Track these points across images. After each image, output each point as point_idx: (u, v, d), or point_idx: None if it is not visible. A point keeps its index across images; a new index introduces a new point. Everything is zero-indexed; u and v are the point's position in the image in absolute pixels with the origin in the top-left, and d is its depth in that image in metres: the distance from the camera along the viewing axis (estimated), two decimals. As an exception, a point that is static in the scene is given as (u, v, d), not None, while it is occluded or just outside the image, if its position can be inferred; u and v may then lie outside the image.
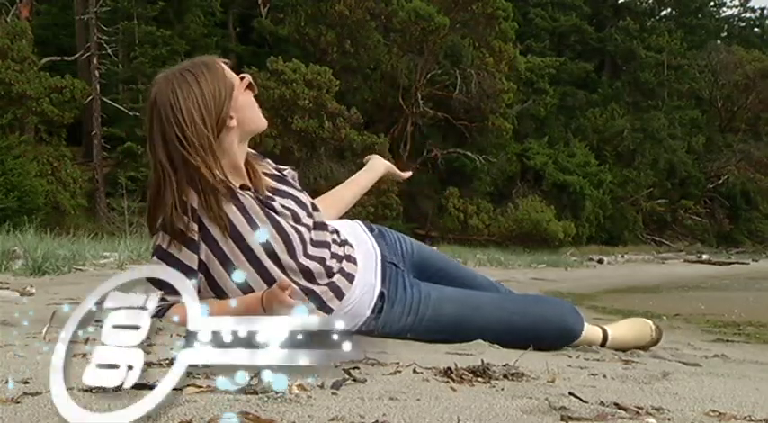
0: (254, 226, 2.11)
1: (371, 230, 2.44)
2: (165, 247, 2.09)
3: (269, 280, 2.09)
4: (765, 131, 39.49)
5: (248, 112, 2.13)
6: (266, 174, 2.24)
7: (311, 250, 2.18)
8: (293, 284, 2.01)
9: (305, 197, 2.27)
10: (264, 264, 2.12)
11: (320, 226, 2.25)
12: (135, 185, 20.99)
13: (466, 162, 28.14)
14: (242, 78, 2.13)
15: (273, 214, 2.15)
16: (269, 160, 2.34)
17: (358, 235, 2.39)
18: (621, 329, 2.60)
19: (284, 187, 2.24)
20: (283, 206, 2.18)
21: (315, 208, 2.29)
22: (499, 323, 2.33)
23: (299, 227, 2.17)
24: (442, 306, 2.35)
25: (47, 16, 27.42)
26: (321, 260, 2.19)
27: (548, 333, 2.36)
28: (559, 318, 2.42)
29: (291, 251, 2.14)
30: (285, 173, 2.32)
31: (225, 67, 2.12)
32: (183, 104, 2.02)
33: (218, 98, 2.05)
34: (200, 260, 2.11)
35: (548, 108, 32.82)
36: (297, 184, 2.32)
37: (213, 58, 2.14)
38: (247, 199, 2.13)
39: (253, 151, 2.31)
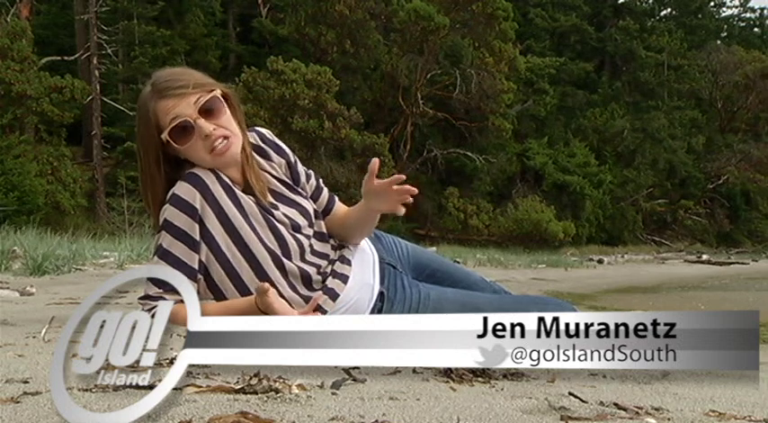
0: (253, 229, 2.11)
1: None
2: (165, 245, 2.09)
3: (266, 282, 2.10)
4: (765, 131, 39.51)
5: (189, 155, 2.07)
6: (275, 177, 2.21)
7: (309, 257, 2.19)
8: (272, 289, 2.00)
9: (309, 205, 2.24)
10: (263, 267, 2.12)
11: (321, 236, 2.23)
12: (135, 185, 20.95)
13: (466, 162, 28.15)
14: (182, 123, 2.01)
15: (273, 220, 2.15)
16: (286, 158, 2.26)
17: None
18: None
19: (290, 194, 2.21)
20: (285, 214, 2.17)
21: (317, 217, 2.27)
22: None
23: (299, 235, 2.17)
24: (443, 307, 2.35)
25: (47, 16, 27.43)
26: (317, 267, 2.20)
27: None
28: None
29: (288, 256, 2.14)
30: (296, 176, 2.26)
31: (159, 109, 2.02)
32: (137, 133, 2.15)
33: (148, 145, 2.10)
34: (200, 260, 2.11)
35: (548, 108, 32.83)
36: (306, 190, 2.26)
37: (150, 100, 2.05)
38: (248, 202, 2.13)
39: (275, 143, 2.24)
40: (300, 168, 2.28)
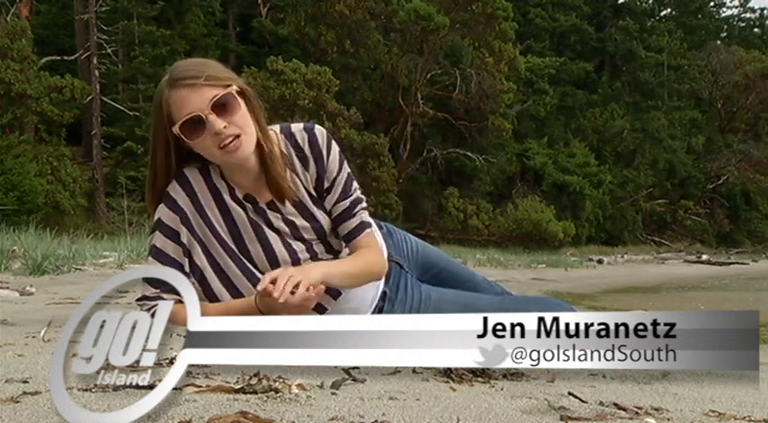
0: (236, 237, 2.10)
1: (380, 228, 2.40)
2: (159, 246, 2.10)
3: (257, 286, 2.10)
4: (765, 132, 39.51)
5: (200, 152, 2.02)
6: (304, 186, 2.11)
7: (305, 264, 2.16)
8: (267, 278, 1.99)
9: (326, 224, 2.15)
10: (254, 272, 2.12)
11: (329, 247, 2.18)
12: (135, 185, 20.98)
13: (466, 162, 28.15)
14: (193, 117, 1.94)
15: (263, 228, 2.12)
16: (320, 170, 2.11)
17: None
18: None
19: (311, 206, 2.13)
20: (289, 223, 2.12)
21: (335, 234, 2.19)
22: None
23: (295, 244, 2.13)
24: (443, 308, 2.34)
25: (47, 16, 27.43)
26: None
27: None
28: None
29: (275, 262, 2.12)
30: (322, 190, 2.13)
31: (172, 99, 1.96)
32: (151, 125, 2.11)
33: (158, 132, 2.04)
34: (195, 264, 2.11)
35: (548, 108, 32.83)
36: (330, 209, 2.14)
37: (165, 89, 1.98)
38: (236, 209, 2.11)
39: (320, 152, 2.11)
40: (337, 185, 2.13)
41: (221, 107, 1.95)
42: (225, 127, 1.95)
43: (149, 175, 2.12)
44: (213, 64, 2.06)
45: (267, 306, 1.98)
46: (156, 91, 2.05)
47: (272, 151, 2.05)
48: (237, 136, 1.97)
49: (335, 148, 2.15)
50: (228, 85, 1.97)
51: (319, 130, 2.15)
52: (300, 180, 2.12)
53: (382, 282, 2.31)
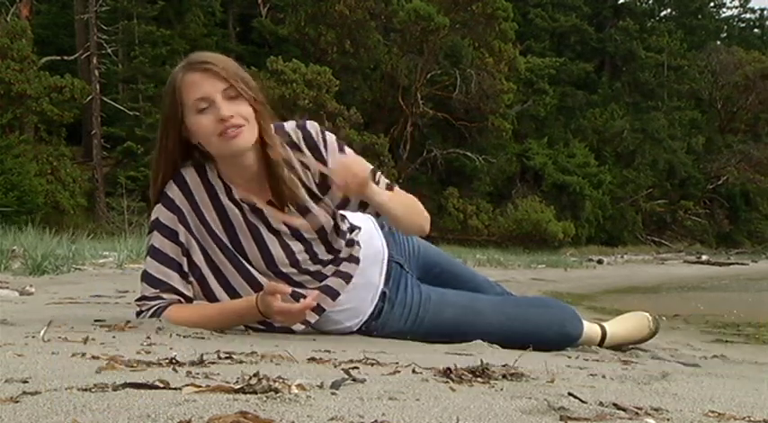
0: (232, 237, 2.10)
1: (381, 227, 2.40)
2: (157, 245, 2.10)
3: (254, 285, 2.10)
4: (765, 132, 39.53)
5: (199, 137, 2.02)
6: (303, 183, 2.11)
7: (304, 264, 2.16)
8: (284, 288, 2.01)
9: (326, 219, 2.15)
10: (250, 271, 2.12)
11: (329, 246, 2.18)
12: (134, 185, 20.99)
13: (466, 162, 28.15)
14: (203, 100, 1.96)
15: (260, 229, 2.12)
16: (323, 165, 2.12)
17: (370, 232, 2.34)
18: (620, 325, 2.62)
19: (309, 203, 2.13)
20: (287, 224, 2.12)
21: (340, 233, 2.20)
22: (500, 329, 2.33)
23: (293, 244, 2.13)
24: (443, 310, 2.34)
25: (47, 15, 27.43)
26: (307, 271, 2.17)
27: (548, 338, 2.37)
28: (559, 325, 2.43)
29: (272, 263, 2.12)
30: (327, 185, 2.12)
31: (185, 82, 1.97)
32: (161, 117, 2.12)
33: (167, 118, 2.04)
34: (194, 263, 2.11)
35: (547, 108, 32.83)
36: (331, 205, 2.15)
37: (178, 73, 2.00)
38: (232, 209, 2.11)
39: (317, 147, 2.11)
40: None
41: (231, 98, 1.98)
42: (231, 116, 1.97)
43: (155, 165, 2.13)
44: (232, 63, 2.07)
45: (268, 306, 1.99)
46: (169, 78, 2.06)
47: (279, 158, 2.05)
48: (240, 126, 1.98)
49: (330, 137, 2.17)
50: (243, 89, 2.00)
51: (311, 125, 2.17)
52: (301, 179, 2.12)
53: (382, 282, 2.31)
